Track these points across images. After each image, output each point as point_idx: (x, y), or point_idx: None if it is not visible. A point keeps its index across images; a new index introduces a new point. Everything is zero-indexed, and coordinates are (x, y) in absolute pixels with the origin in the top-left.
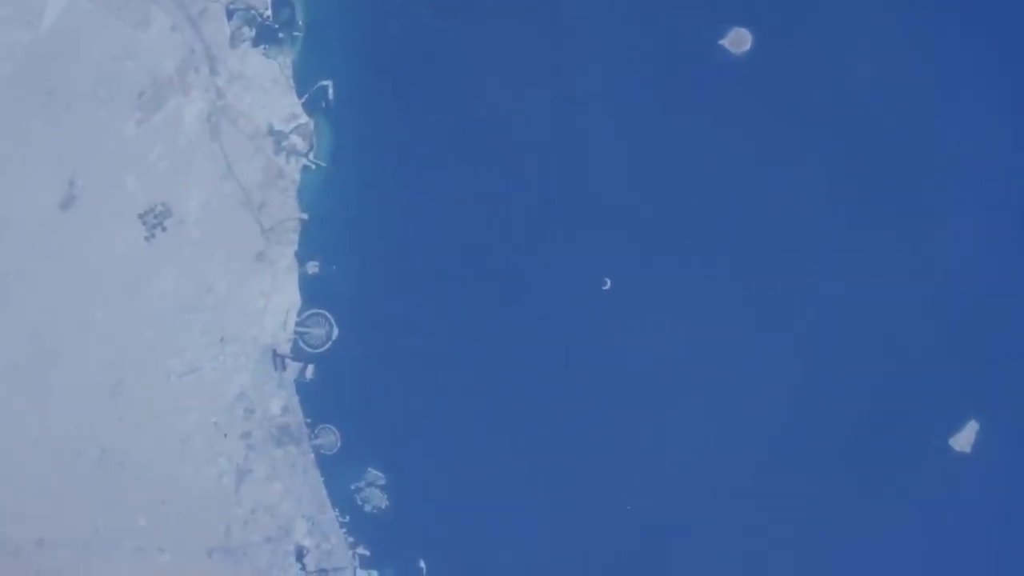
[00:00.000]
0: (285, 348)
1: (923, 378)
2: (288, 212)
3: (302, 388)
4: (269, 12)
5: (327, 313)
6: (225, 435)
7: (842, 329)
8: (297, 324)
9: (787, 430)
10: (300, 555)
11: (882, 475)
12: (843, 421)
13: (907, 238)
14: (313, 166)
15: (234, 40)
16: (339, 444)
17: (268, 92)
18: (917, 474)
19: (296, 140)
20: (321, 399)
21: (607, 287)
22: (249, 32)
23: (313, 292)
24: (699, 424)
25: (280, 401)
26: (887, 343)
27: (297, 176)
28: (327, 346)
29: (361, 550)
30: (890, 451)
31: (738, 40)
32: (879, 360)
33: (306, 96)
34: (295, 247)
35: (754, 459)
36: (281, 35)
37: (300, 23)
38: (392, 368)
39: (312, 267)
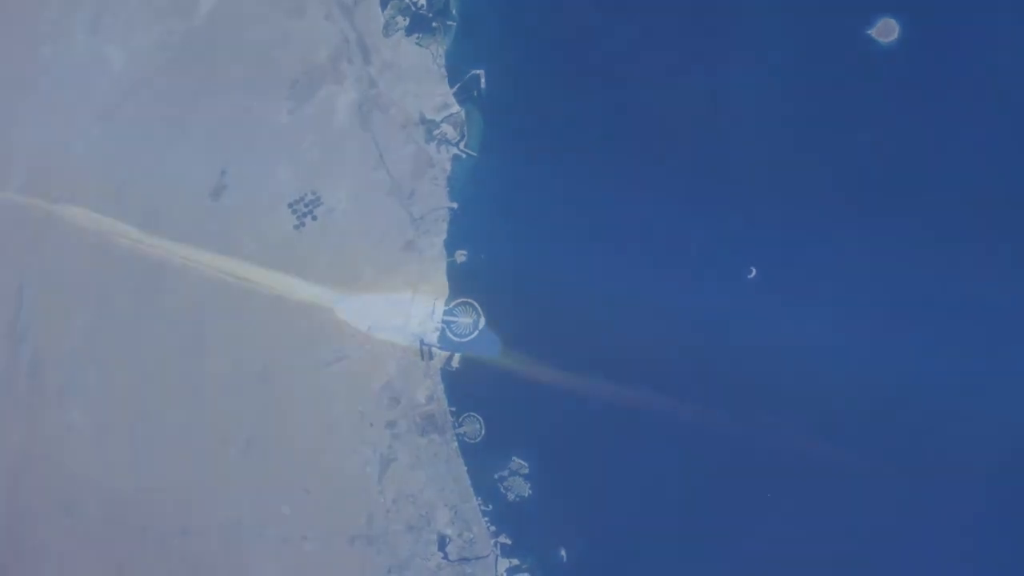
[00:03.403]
0: (432, 337)
1: None
2: (438, 201)
3: (447, 377)
4: (423, 1)
5: (475, 302)
6: (371, 424)
7: (985, 323)
8: (445, 313)
9: (934, 423)
10: (442, 544)
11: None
12: (992, 416)
13: None
14: (464, 155)
15: (388, 29)
16: (483, 433)
17: (420, 81)
18: None
19: (447, 129)
20: (466, 388)
21: (752, 275)
22: (403, 21)
23: (461, 281)
24: (843, 416)
25: (426, 390)
26: None
27: (447, 165)
28: (474, 335)
29: (503, 539)
30: None
31: (886, 30)
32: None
33: (458, 85)
34: (444, 236)
35: (901, 451)
36: (435, 24)
37: (454, 12)
38: (538, 358)
39: (460, 256)
